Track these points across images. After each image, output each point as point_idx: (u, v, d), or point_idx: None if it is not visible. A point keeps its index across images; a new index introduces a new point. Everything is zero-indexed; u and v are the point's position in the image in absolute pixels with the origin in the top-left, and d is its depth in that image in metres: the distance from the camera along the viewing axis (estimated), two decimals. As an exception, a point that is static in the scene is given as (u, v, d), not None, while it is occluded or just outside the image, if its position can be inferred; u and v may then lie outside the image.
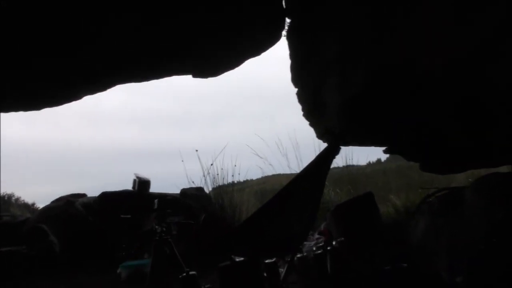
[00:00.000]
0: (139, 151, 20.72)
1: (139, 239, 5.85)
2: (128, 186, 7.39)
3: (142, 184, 6.95)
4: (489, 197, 3.65)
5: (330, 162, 4.92)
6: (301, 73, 5.15)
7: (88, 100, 5.31)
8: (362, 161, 9.37)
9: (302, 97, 5.47)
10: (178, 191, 7.73)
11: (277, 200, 4.84)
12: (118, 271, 5.58)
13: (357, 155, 11.14)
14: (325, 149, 5.11)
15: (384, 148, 5.53)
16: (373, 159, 13.87)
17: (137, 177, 7.00)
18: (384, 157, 14.18)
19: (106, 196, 7.30)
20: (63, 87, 4.98)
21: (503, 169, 4.45)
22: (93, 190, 8.02)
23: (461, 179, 6.93)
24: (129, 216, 6.12)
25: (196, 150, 7.82)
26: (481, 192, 3.78)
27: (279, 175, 10.24)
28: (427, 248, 4.15)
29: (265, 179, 12.16)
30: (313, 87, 5.13)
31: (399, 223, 5.51)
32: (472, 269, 2.98)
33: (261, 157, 8.31)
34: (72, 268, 6.03)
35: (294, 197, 4.63)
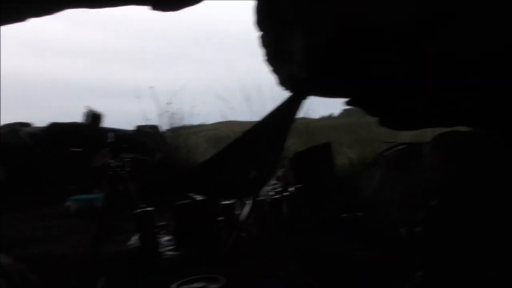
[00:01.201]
0: (90, 86, 19.70)
1: (91, 173, 5.64)
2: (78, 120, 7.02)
3: (94, 117, 6.64)
4: (446, 154, 3.75)
5: (295, 112, 4.87)
6: (266, 15, 4.95)
7: (34, 26, 4.79)
8: (315, 115, 9.44)
9: (265, 41, 5.29)
10: (131, 129, 7.49)
11: (237, 145, 4.78)
12: (68, 204, 5.40)
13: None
14: (290, 98, 5.04)
15: (346, 99, 5.53)
16: (325, 113, 14.05)
17: (89, 110, 6.67)
18: (336, 113, 14.43)
19: (56, 127, 6.93)
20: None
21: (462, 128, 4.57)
22: (39, 122, 7.53)
23: (408, 137, 7.13)
24: (80, 149, 5.89)
25: (152, 87, 7.56)
26: (439, 149, 3.87)
27: (234, 122, 10.12)
28: (381, 199, 4.28)
29: (219, 125, 12.01)
30: (278, 31, 4.96)
31: (353, 175, 5.63)
32: (426, 221, 3.08)
33: (224, 100, 8.12)
34: (18, 199, 5.75)
35: (254, 144, 4.58)
